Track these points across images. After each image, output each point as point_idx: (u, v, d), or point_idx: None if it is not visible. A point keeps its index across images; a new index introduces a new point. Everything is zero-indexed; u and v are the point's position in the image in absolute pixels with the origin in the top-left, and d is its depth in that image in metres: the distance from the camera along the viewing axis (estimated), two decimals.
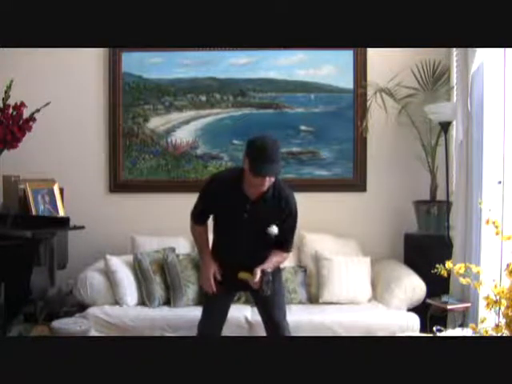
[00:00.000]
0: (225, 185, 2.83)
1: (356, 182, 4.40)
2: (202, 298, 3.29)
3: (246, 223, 2.81)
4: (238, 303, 3.64)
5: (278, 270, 3.01)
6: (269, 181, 2.69)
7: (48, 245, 3.56)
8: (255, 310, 3.50)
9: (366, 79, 4.31)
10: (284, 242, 2.91)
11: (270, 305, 2.97)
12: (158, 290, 3.76)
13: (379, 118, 4.16)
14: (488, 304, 2.27)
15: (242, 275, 2.82)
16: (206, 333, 2.97)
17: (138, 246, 4.06)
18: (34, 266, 3.49)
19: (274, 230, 2.79)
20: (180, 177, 4.45)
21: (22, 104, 3.87)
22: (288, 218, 2.85)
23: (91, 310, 3.62)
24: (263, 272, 2.76)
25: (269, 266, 2.82)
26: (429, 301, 3.62)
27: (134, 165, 4.45)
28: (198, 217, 2.96)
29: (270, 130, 4.11)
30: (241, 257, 2.85)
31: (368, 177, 4.40)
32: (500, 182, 3.20)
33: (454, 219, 3.75)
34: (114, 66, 4.39)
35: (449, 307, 3.45)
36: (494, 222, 2.37)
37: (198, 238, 3.00)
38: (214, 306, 3.00)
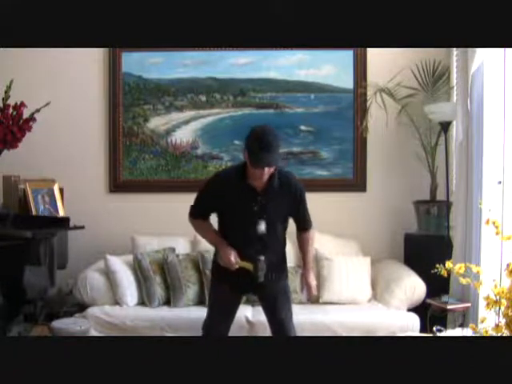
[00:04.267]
0: (230, 180, 2.79)
1: (356, 182, 4.40)
2: (209, 299, 3.18)
3: (256, 216, 2.77)
4: None
5: (285, 270, 3.01)
6: (268, 171, 2.67)
7: (48, 245, 3.56)
8: (256, 309, 3.51)
9: (365, 79, 4.32)
10: (305, 223, 2.97)
11: (277, 306, 2.94)
12: (158, 290, 3.76)
13: (379, 118, 4.16)
14: (488, 304, 2.27)
15: (242, 264, 2.78)
16: (213, 334, 2.92)
17: (137, 246, 4.06)
18: (34, 266, 3.49)
19: (262, 226, 2.81)
20: (180, 177, 4.45)
21: (22, 104, 3.87)
22: (301, 201, 2.88)
23: (91, 310, 3.62)
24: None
25: (312, 267, 3.04)
26: (429, 301, 3.62)
27: (134, 165, 4.46)
28: (200, 214, 2.89)
29: None
30: (254, 252, 2.78)
31: (368, 177, 4.40)
32: (500, 182, 3.20)
33: (454, 219, 3.75)
34: (114, 66, 4.39)
35: (449, 307, 3.45)
36: (493, 222, 2.37)
37: (206, 230, 2.91)
38: (222, 308, 2.96)
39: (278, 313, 2.94)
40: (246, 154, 2.68)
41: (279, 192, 2.79)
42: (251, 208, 2.76)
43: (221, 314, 2.96)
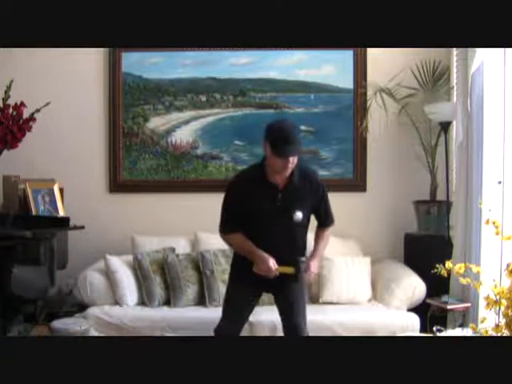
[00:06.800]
0: (250, 180, 2.77)
1: (356, 182, 4.40)
2: (226, 303, 3.02)
3: (279, 213, 2.74)
4: None
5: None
6: (292, 162, 2.67)
7: (48, 245, 3.56)
8: (256, 310, 3.50)
9: (365, 79, 4.31)
10: (327, 219, 2.95)
11: (293, 308, 2.87)
12: (158, 290, 3.76)
13: (379, 118, 4.16)
14: (488, 304, 2.27)
15: (282, 269, 2.72)
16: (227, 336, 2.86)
17: (137, 246, 4.06)
18: (34, 266, 3.49)
19: (299, 215, 2.76)
20: (180, 177, 4.44)
21: (22, 104, 3.87)
22: (323, 196, 2.87)
23: (91, 310, 3.61)
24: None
25: (320, 257, 2.91)
26: (429, 301, 3.62)
27: (134, 165, 4.45)
28: (234, 226, 2.80)
29: None
30: (278, 250, 2.73)
31: (368, 177, 4.40)
32: (500, 182, 3.20)
33: (454, 219, 3.75)
34: (114, 66, 4.39)
35: (449, 307, 3.45)
36: (493, 222, 2.37)
37: (243, 242, 2.79)
38: (240, 311, 2.92)
39: (294, 317, 2.86)
40: (267, 148, 2.67)
41: (301, 187, 2.77)
42: (274, 206, 2.74)
43: (237, 316, 2.93)
